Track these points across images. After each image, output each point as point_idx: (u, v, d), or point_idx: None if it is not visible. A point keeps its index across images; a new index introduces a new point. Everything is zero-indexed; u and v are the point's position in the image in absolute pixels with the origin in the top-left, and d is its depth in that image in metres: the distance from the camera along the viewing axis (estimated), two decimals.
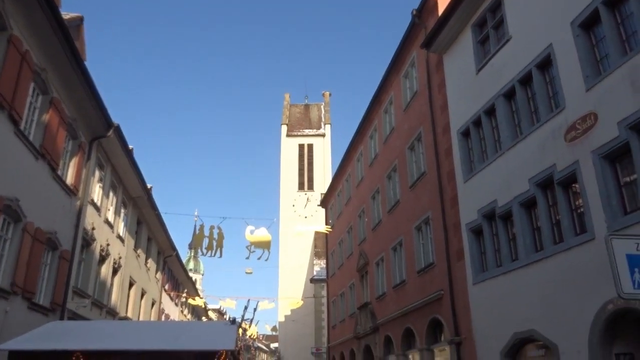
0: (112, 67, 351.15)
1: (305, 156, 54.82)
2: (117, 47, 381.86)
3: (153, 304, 28.69)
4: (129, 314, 22.98)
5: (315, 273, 46.07)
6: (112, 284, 20.21)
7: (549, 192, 11.56)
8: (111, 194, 19.61)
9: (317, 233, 46.00)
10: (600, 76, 10.13)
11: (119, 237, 20.62)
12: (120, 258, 20.80)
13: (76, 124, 15.22)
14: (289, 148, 55.11)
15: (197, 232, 19.13)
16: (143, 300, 26.15)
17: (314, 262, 47.83)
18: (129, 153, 19.10)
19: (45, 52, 12.59)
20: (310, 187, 53.26)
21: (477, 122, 14.58)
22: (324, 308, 40.26)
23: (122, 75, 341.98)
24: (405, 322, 18.92)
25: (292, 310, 44.47)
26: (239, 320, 12.04)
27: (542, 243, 11.58)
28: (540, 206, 11.63)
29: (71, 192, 15.10)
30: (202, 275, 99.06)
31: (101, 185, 18.27)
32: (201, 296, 45.09)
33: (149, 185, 23.81)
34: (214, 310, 67.46)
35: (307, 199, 52.20)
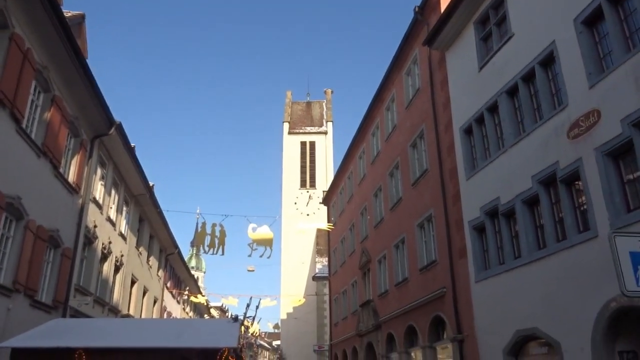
0: (114, 65, 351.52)
1: (307, 154, 54.79)
2: (119, 45, 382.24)
3: (155, 302, 28.71)
4: (131, 312, 23.00)
5: (317, 271, 46.06)
6: (114, 282, 20.23)
7: (552, 190, 11.51)
8: (113, 191, 19.62)
9: (319, 230, 46.05)
10: (604, 73, 10.07)
11: (120, 234, 20.64)
12: (122, 256, 20.82)
13: (78, 122, 15.22)
14: (291, 146, 55.08)
15: (199, 229, 19.11)
16: (145, 298, 26.17)
17: (316, 259, 47.84)
18: (130, 151, 19.11)
19: (46, 50, 12.58)
20: (313, 185, 53.25)
21: (479, 120, 14.53)
22: (326, 306, 40.26)
23: (124, 74, 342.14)
24: (407, 319, 18.91)
25: (294, 308, 44.55)
26: (241, 317, 11.99)
27: (545, 241, 11.54)
28: (543, 204, 11.59)
29: (73, 190, 15.10)
30: (204, 273, 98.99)
31: (103, 183, 18.28)
32: (203, 294, 45.22)
33: (150, 183, 23.82)
34: (216, 308, 67.60)
35: (309, 196, 52.22)
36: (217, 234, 19.05)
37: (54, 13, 11.59)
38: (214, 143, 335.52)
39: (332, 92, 59.01)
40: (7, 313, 11.37)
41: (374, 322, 22.65)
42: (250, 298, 16.06)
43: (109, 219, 18.89)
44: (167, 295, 32.57)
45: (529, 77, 12.52)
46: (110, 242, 19.01)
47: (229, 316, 12.83)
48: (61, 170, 14.28)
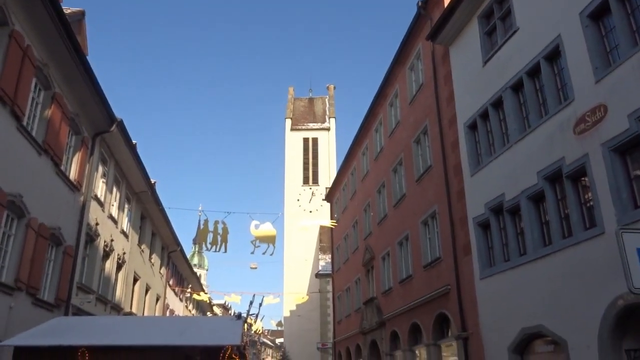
0: (116, 62, 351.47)
1: (310, 150, 54.64)
2: (120, 43, 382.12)
3: (157, 300, 28.71)
4: (134, 310, 22.99)
5: (320, 268, 45.95)
6: (116, 280, 20.20)
7: (558, 186, 11.41)
8: (115, 189, 19.58)
9: (322, 227, 45.98)
10: (610, 67, 9.95)
11: (122, 232, 20.60)
12: (124, 253, 20.79)
13: (79, 119, 15.19)
14: (293, 142, 54.94)
15: (202, 227, 19.04)
16: (147, 296, 26.15)
17: (319, 256, 47.75)
18: (132, 148, 19.05)
19: (46, 47, 12.54)
20: (315, 182, 53.15)
21: (484, 115, 14.41)
22: (330, 303, 40.24)
23: (124, 73, 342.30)
24: (411, 317, 18.82)
25: (297, 306, 44.50)
26: (244, 315, 11.93)
27: (550, 237, 11.44)
28: (549, 200, 11.48)
29: (74, 187, 15.07)
30: (207, 270, 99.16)
31: (104, 180, 18.24)
32: (206, 291, 45.17)
33: (152, 180, 23.76)
34: (218, 305, 67.60)
35: (312, 193, 52.11)
36: (220, 231, 18.98)
37: (53, 10, 11.54)
38: (215, 141, 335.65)
39: (334, 87, 58.85)
40: (9, 311, 11.35)
41: (377, 319, 22.57)
42: (253, 295, 15.96)
43: (110, 217, 18.84)
44: (169, 293, 32.55)
45: (534, 72, 12.40)
46: (112, 240, 18.97)
47: (232, 314, 12.77)
48: (62, 167, 14.25)
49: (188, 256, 39.24)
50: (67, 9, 14.66)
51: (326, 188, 43.62)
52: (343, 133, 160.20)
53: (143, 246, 24.42)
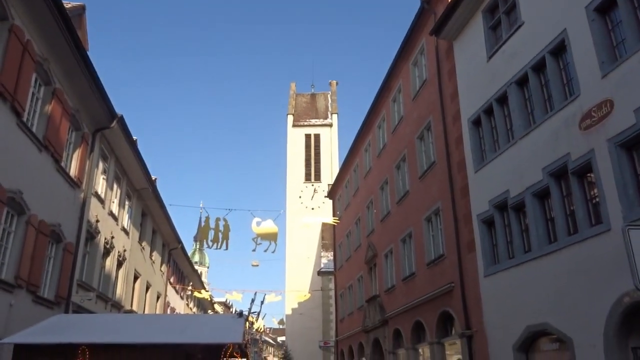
0: (117, 60, 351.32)
1: (312, 147, 54.45)
2: (120, 40, 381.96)
3: (158, 297, 28.66)
4: (134, 307, 22.91)
5: (322, 265, 45.93)
6: (116, 277, 20.13)
7: (563, 182, 11.33)
8: (115, 185, 19.50)
9: (324, 225, 45.89)
10: (617, 62, 9.87)
11: (123, 229, 20.53)
12: (124, 251, 20.72)
13: (79, 115, 15.12)
14: (295, 138, 54.75)
15: (203, 224, 18.94)
16: (148, 294, 26.09)
17: (322, 254, 47.71)
18: (133, 144, 18.97)
19: (47, 41, 12.48)
20: (317, 178, 52.99)
21: (488, 111, 14.30)
22: (332, 301, 40.15)
23: (126, 69, 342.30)
24: (415, 315, 18.73)
25: (299, 303, 44.37)
26: (246, 313, 11.84)
27: (555, 234, 11.37)
28: (554, 196, 11.40)
29: (75, 184, 15.00)
30: (208, 268, 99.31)
31: (105, 177, 18.17)
32: (207, 289, 45.10)
33: (153, 177, 23.66)
34: (220, 303, 67.61)
35: (314, 190, 51.96)
36: (221, 228, 18.87)
37: (53, 4, 11.46)
38: (216, 138, 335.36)
39: (337, 83, 58.51)
40: (10, 309, 11.31)
41: (380, 317, 22.48)
42: (255, 293, 15.83)
43: (111, 214, 18.77)
44: (170, 290, 32.51)
45: (539, 67, 12.30)
46: (112, 237, 18.90)
47: (234, 312, 12.70)
48: (63, 164, 14.18)
49: (189, 254, 39.20)
50: (68, 4, 14.56)
51: (328, 185, 43.55)
52: (345, 129, 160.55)
53: (144, 243, 24.34)
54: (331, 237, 39.62)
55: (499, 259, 13.43)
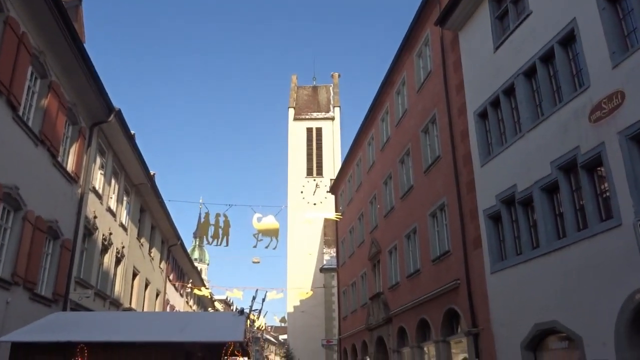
0: (115, 54, 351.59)
1: (314, 140, 54.15)
2: (120, 32, 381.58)
3: (157, 295, 28.55)
4: (133, 305, 22.81)
5: (325, 262, 45.73)
6: (115, 274, 20.02)
7: (572, 176, 11.15)
8: (113, 181, 19.35)
9: (326, 220, 45.66)
10: (628, 52, 9.67)
11: (121, 225, 20.38)
12: (123, 247, 20.58)
13: (76, 109, 15.02)
14: (296, 132, 54.47)
15: (202, 220, 18.85)
16: (147, 291, 25.96)
17: (324, 250, 47.53)
18: (130, 139, 18.81)
19: (43, 34, 12.40)
20: (319, 173, 52.76)
21: (495, 103, 14.08)
22: (335, 298, 39.93)
23: (125, 61, 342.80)
24: (419, 312, 18.53)
25: (301, 301, 44.16)
26: (247, 311, 11.72)
27: (564, 230, 11.20)
28: (563, 191, 11.21)
29: (72, 179, 14.89)
30: (208, 265, 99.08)
31: (102, 172, 18.05)
32: (207, 286, 44.98)
33: (152, 172, 23.47)
34: (220, 301, 67.58)
35: (316, 185, 51.72)
36: (221, 224, 18.77)
37: None
38: (216, 132, 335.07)
39: (339, 75, 58.22)
40: (6, 306, 11.24)
41: (384, 315, 22.30)
42: (256, 291, 15.80)
43: (109, 210, 18.63)
44: (169, 288, 32.39)
45: (547, 58, 12.09)
46: (110, 233, 18.76)
47: (234, 309, 12.56)
48: (59, 159, 14.08)
49: (188, 250, 39.14)
50: None
51: (331, 180, 43.25)
52: (348, 123, 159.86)
53: (142, 240, 24.18)
54: (334, 233, 39.47)
55: (506, 255, 13.24)
